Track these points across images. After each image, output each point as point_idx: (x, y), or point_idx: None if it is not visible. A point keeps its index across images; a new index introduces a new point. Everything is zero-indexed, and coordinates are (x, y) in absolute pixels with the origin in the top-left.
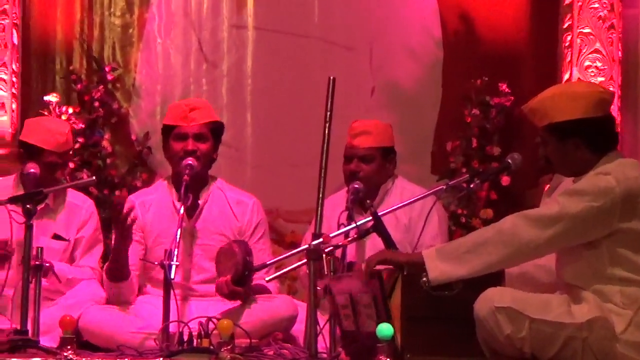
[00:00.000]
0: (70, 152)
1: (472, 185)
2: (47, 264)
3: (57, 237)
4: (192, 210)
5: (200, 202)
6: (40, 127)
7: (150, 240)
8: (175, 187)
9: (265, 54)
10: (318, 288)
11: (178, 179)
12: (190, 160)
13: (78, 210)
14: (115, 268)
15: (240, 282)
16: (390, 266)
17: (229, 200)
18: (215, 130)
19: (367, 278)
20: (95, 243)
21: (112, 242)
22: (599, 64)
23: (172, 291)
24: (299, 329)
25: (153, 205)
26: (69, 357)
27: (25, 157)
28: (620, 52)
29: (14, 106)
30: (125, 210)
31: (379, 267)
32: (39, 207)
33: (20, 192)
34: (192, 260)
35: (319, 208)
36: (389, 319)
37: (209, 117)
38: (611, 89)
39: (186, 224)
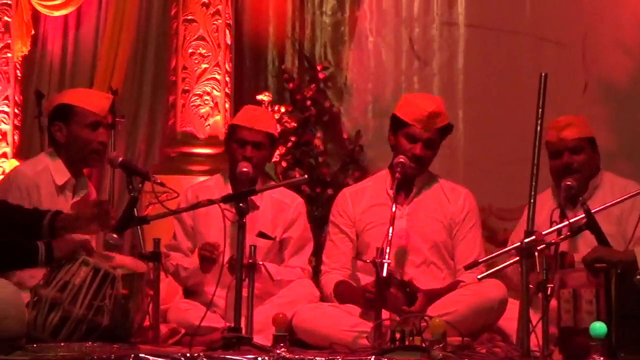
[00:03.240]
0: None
1: None
2: (261, 262)
3: (262, 234)
4: (407, 194)
5: (414, 187)
6: (243, 109)
7: (361, 226)
8: (391, 175)
9: (476, 51)
10: (530, 286)
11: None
12: (402, 159)
13: (286, 208)
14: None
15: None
16: (604, 264)
17: (443, 189)
18: (446, 131)
19: (591, 275)
20: (304, 243)
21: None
22: None
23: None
24: (511, 327)
25: (367, 191)
26: (281, 355)
27: (227, 139)
28: None
29: (227, 105)
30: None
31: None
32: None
33: (229, 191)
34: (407, 244)
35: (531, 205)
36: (609, 317)
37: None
38: None
39: (400, 210)
